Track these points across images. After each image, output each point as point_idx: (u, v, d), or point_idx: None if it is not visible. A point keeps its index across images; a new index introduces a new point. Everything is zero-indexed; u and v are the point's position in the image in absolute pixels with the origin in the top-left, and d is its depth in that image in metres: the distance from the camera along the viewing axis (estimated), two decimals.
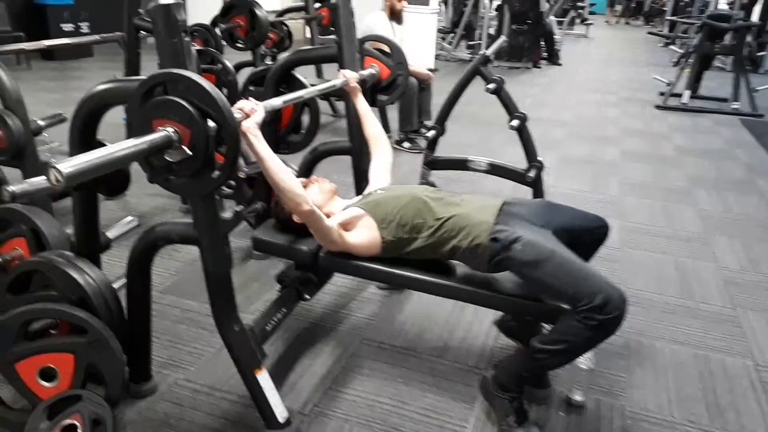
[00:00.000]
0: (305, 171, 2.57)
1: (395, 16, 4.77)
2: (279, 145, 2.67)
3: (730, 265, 2.93)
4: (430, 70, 4.72)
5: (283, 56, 2.48)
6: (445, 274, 1.84)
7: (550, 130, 5.43)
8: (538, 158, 3.30)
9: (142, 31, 3.20)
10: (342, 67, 2.35)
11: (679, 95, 6.61)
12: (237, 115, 1.52)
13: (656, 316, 2.44)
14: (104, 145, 1.86)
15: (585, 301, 1.54)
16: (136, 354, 1.81)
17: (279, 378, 1.96)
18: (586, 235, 1.90)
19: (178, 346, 2.11)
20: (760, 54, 7.11)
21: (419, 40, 7.44)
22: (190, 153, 1.33)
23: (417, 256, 1.83)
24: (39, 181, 1.51)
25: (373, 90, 2.55)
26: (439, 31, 9.30)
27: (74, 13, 7.97)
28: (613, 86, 7.96)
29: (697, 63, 6.60)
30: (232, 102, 3.14)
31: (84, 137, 1.57)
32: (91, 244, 1.75)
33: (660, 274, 2.80)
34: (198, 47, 3.89)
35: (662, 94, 6.94)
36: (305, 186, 1.97)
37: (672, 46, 10.73)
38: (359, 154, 2.46)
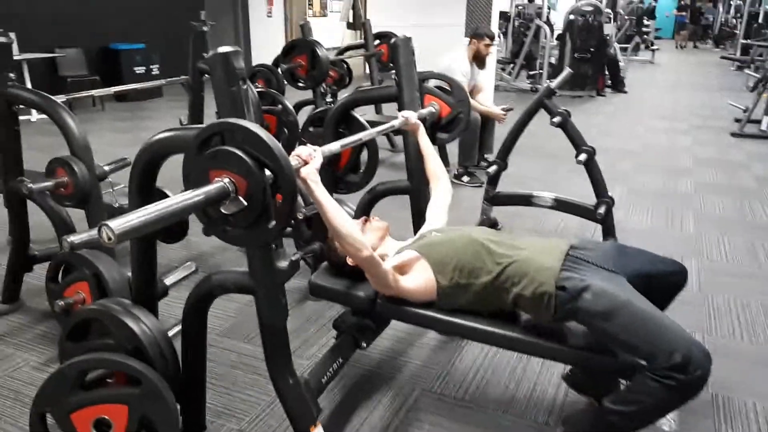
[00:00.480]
0: (363, 211, 2.52)
1: (478, 60, 4.57)
2: (337, 185, 2.63)
3: None
4: (505, 109, 4.56)
5: (342, 97, 2.46)
6: (508, 323, 1.72)
7: (617, 161, 5.21)
8: (609, 194, 3.14)
9: (206, 74, 3.28)
10: (401, 107, 2.30)
11: (758, 122, 6.24)
12: (294, 161, 1.49)
13: (747, 368, 2.21)
14: (163, 193, 1.87)
15: (663, 358, 1.39)
16: (191, 404, 1.77)
17: (335, 429, 1.87)
18: (662, 281, 1.74)
19: (233, 393, 2.06)
20: None
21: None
22: (246, 204, 1.28)
23: (476, 305, 1.72)
24: (91, 235, 1.51)
25: (432, 128, 2.48)
26: (499, 61, 9.24)
27: (146, 56, 8.38)
28: (683, 113, 7.62)
29: None
30: (293, 143, 3.17)
31: (142, 186, 1.56)
32: (148, 291, 1.73)
33: (748, 320, 2.56)
34: (260, 88, 3.97)
35: (738, 120, 6.58)
36: (361, 228, 1.91)
37: (747, 70, 10.23)
38: (418, 193, 2.38)
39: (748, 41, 11.34)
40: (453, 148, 4.67)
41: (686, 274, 1.77)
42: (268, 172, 1.30)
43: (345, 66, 5.31)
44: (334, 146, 1.75)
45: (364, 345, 1.96)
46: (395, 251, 1.87)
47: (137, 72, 8.24)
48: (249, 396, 2.05)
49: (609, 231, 3.17)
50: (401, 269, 1.78)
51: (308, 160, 1.55)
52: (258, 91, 3.07)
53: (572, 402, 2.02)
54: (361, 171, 2.55)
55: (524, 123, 3.27)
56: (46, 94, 2.09)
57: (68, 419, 1.58)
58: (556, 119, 3.06)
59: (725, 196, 4.31)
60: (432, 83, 2.59)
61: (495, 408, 2.00)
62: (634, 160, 5.29)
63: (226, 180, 1.27)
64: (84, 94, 2.94)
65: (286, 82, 4.27)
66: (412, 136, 2.27)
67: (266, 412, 1.96)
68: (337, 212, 1.60)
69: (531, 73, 9.42)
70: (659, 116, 7.40)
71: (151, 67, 8.44)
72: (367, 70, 6.64)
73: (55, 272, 2.16)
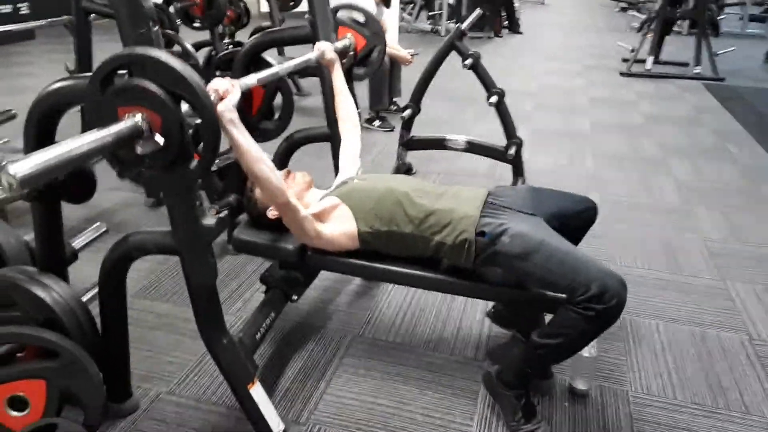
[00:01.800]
0: (281, 160, 2.43)
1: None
2: (251, 133, 2.51)
3: (713, 235, 2.92)
4: (412, 54, 4.50)
5: (252, 38, 2.31)
6: (432, 266, 1.74)
7: (519, 101, 5.35)
8: (517, 135, 3.22)
9: (92, 14, 2.96)
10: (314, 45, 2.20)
11: (643, 61, 6.62)
12: (212, 95, 1.36)
13: (649, 292, 2.41)
14: None
15: (581, 291, 1.46)
16: (114, 372, 1.67)
17: (269, 384, 1.85)
18: (575, 218, 1.83)
19: (158, 356, 1.97)
20: (720, 18, 7.16)
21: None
22: (163, 142, 1.17)
23: (399, 251, 1.73)
24: None
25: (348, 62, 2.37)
26: (400, 2, 9.09)
27: None
28: (576, 53, 7.93)
29: (659, 28, 6.59)
30: None
31: (40, 144, 1.39)
32: (55, 257, 1.58)
33: (646, 249, 2.77)
34: None
35: (625, 60, 6.95)
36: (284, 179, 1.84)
37: (631, 11, 10.77)
38: (339, 139, 2.31)
39: None
40: (362, 92, 4.59)
41: (596, 210, 1.86)
42: (184, 106, 1.20)
43: (242, 4, 5.01)
44: (251, 79, 1.64)
45: (295, 298, 1.93)
46: (318, 200, 1.82)
47: (2, 11, 7.35)
48: (175, 357, 1.96)
49: (518, 171, 3.27)
50: (321, 216, 1.74)
51: (225, 96, 1.41)
52: None
53: (495, 336, 2.11)
54: (276, 117, 2.44)
55: (436, 65, 3.26)
56: None
57: None
58: (468, 61, 3.07)
59: (618, 133, 4.58)
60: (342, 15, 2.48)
61: (425, 348, 2.04)
62: (535, 101, 5.48)
63: (138, 117, 1.16)
64: None
65: (180, 23, 3.98)
66: (328, 78, 2.18)
67: (195, 372, 1.90)
68: (257, 154, 1.51)
69: (431, 13, 9.38)
70: (554, 57, 7.66)
71: (19, 6, 7.56)
72: (263, 9, 6.30)
73: None
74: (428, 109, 5.00)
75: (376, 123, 4.54)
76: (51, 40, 7.52)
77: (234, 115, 1.43)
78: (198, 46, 4.61)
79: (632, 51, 6.77)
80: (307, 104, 4.93)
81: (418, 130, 3.42)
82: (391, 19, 4.85)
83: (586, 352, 1.79)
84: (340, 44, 2.23)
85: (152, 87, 1.14)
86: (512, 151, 3.16)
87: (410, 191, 1.73)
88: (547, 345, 1.56)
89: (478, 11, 3.20)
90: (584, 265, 1.51)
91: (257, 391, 1.54)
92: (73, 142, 1.04)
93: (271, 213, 1.82)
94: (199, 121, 1.24)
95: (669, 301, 2.35)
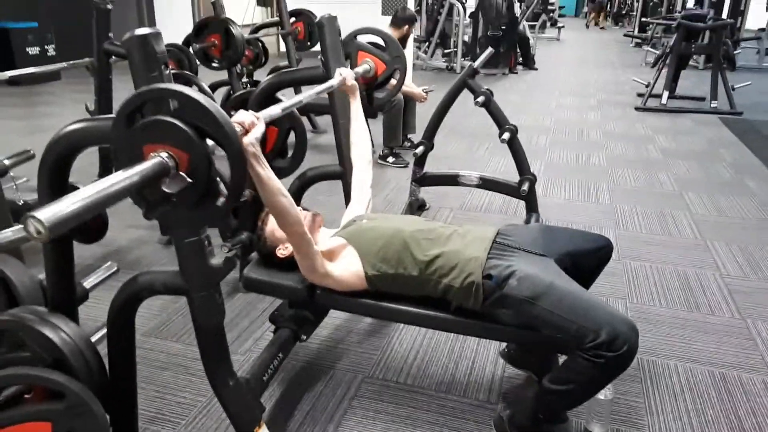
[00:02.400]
0: (294, 198, 2.43)
1: (401, 41, 4.49)
2: None
3: (732, 271, 2.86)
4: (426, 90, 4.57)
5: (266, 78, 2.35)
6: (443, 306, 1.71)
7: (534, 137, 5.37)
8: (531, 171, 3.22)
9: (113, 56, 3.05)
10: (330, 92, 2.23)
11: (659, 96, 6.61)
12: (237, 128, 1.33)
13: (666, 331, 2.35)
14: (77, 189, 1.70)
15: (590, 338, 1.43)
16: (121, 412, 1.66)
17: (279, 427, 1.82)
18: (589, 257, 1.81)
19: (166, 397, 1.95)
20: (736, 52, 7.17)
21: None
22: (190, 180, 1.14)
23: (408, 292, 1.71)
24: (12, 233, 1.36)
25: (368, 87, 2.38)
26: (415, 40, 9.26)
27: (39, 36, 7.74)
28: (590, 89, 7.96)
29: (673, 63, 6.60)
30: None
31: (54, 184, 1.41)
32: (66, 296, 1.59)
33: (664, 286, 2.71)
34: (173, 70, 3.75)
35: (641, 95, 6.95)
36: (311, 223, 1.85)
37: (646, 47, 10.82)
38: (350, 178, 2.32)
39: (647, 19, 11.96)
40: (376, 129, 4.64)
41: (611, 248, 1.84)
42: (210, 142, 1.18)
43: (260, 45, 5.14)
44: (275, 110, 1.61)
45: (304, 337, 1.91)
46: (327, 239, 1.82)
47: (30, 53, 7.60)
48: (183, 398, 1.95)
49: (532, 207, 3.25)
50: (330, 255, 1.73)
51: (250, 128, 1.38)
52: (171, 73, 2.89)
53: (509, 377, 2.07)
54: (289, 156, 2.47)
55: (449, 103, 3.28)
56: None
57: None
58: (480, 99, 3.08)
59: (635, 168, 4.55)
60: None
61: (437, 389, 2.01)
62: (549, 136, 5.48)
63: (164, 155, 1.13)
64: None
65: (199, 63, 4.07)
66: (340, 115, 2.20)
67: (203, 414, 1.88)
68: (278, 187, 1.49)
69: (446, 51, 9.50)
70: (569, 92, 7.70)
71: (46, 47, 7.82)
72: (282, 49, 6.44)
73: None
74: (442, 146, 5.05)
75: (390, 159, 4.56)
76: (75, 80, 7.74)
77: (258, 149, 1.41)
78: (216, 86, 4.72)
79: (647, 86, 6.77)
80: (322, 141, 4.98)
81: (432, 166, 3.43)
82: (406, 58, 4.93)
83: (601, 394, 1.73)
84: (360, 69, 2.24)
85: (178, 123, 1.12)
86: (525, 187, 3.14)
87: (417, 233, 1.72)
88: (558, 391, 1.53)
89: (489, 50, 3.21)
90: (594, 309, 1.48)
91: None
92: (99, 184, 1.02)
93: (281, 252, 1.82)
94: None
95: (687, 341, 2.29)
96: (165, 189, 1.14)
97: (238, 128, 1.33)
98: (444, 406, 1.92)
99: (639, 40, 12.49)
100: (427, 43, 9.64)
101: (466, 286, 1.61)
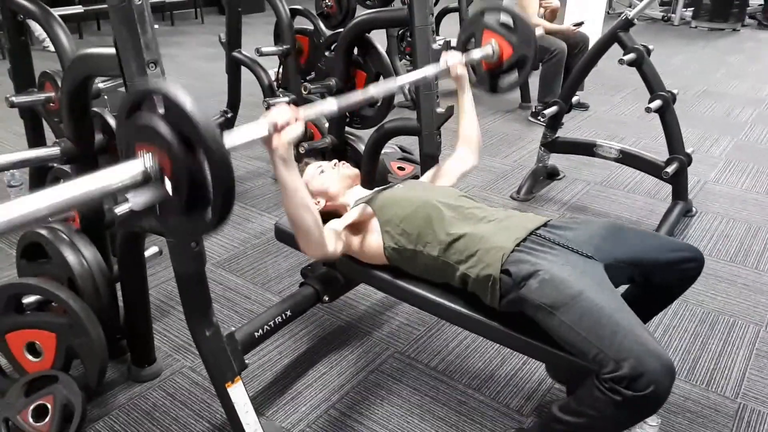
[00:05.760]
0: (372, 151, 2.30)
1: None
2: (352, 118, 2.43)
3: None
4: (576, 24, 4.08)
5: (353, 21, 2.20)
6: (465, 297, 1.46)
7: (735, 108, 4.45)
8: (686, 150, 2.65)
9: None
10: (411, 30, 1.99)
11: None
12: (265, 129, 1.17)
13: None
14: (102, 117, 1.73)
15: (610, 368, 1.13)
16: (137, 337, 1.74)
17: (286, 381, 1.78)
18: (666, 270, 1.42)
19: None
20: None
21: None
22: (170, 192, 0.99)
23: (428, 275, 1.49)
24: None
25: (492, 72, 2.05)
26: None
27: None
28: None
29: None
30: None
31: (74, 109, 1.46)
32: (95, 220, 1.68)
33: None
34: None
35: None
36: (323, 170, 1.72)
37: None
38: (429, 136, 2.10)
39: None
40: (533, 81, 4.19)
41: (701, 262, 1.42)
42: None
43: None
44: (329, 105, 1.33)
45: (326, 299, 1.81)
46: (355, 201, 1.65)
47: None
48: None
49: (679, 193, 2.71)
50: (354, 227, 1.58)
51: (282, 129, 1.19)
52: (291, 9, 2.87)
53: (561, 390, 1.76)
54: (378, 104, 2.32)
55: (593, 59, 2.82)
56: (45, 6, 2.03)
57: (3, 339, 1.60)
58: (629, 56, 2.58)
59: None
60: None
61: (467, 383, 1.79)
62: (757, 110, 4.48)
63: (148, 158, 0.98)
64: None
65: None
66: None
67: None
68: (305, 201, 1.33)
69: None
70: None
71: None
72: None
73: None
74: (613, 108, 4.44)
75: (542, 117, 4.11)
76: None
77: (288, 154, 1.23)
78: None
79: None
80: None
81: (595, 128, 2.99)
82: None
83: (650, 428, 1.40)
84: (480, 52, 1.91)
85: (160, 126, 0.96)
86: (671, 168, 2.61)
87: (445, 208, 1.48)
88: (566, 422, 1.24)
89: None
90: (622, 334, 1.15)
91: (236, 391, 1.47)
92: (66, 187, 0.87)
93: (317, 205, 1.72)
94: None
95: None
96: (139, 198, 0.98)
97: (269, 127, 1.18)
98: (464, 404, 1.71)
99: None
100: None
101: (482, 278, 1.35)
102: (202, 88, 4.69)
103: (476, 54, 1.85)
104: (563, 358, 1.31)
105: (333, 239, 1.48)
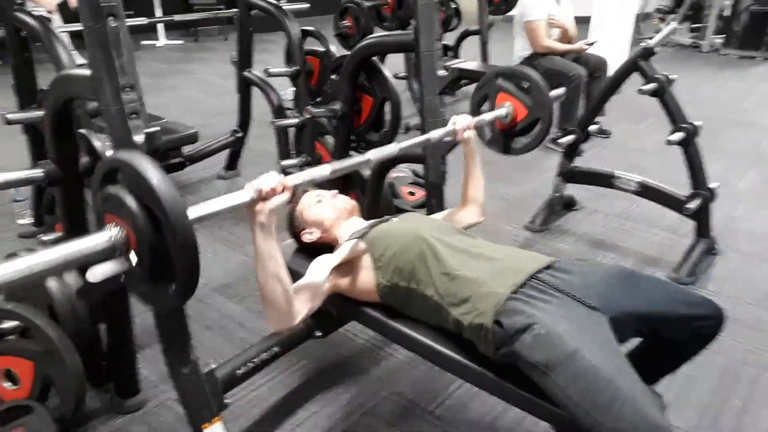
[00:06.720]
0: (377, 177, 2.21)
1: None
2: (358, 143, 2.36)
3: None
4: (588, 44, 4.02)
5: (359, 44, 2.13)
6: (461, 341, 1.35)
7: (765, 140, 4.28)
8: (709, 185, 2.52)
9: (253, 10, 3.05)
10: (417, 55, 1.92)
11: None
12: (249, 195, 1.15)
13: None
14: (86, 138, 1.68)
15: None
16: (120, 366, 1.67)
17: (275, 420, 1.69)
18: (679, 327, 1.29)
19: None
20: None
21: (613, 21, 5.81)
22: (134, 264, 0.97)
23: (422, 316, 1.39)
24: None
25: (505, 133, 1.93)
26: (658, 11, 8.09)
27: None
28: None
29: None
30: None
31: (58, 130, 1.40)
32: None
33: None
34: (347, 25, 3.70)
35: None
36: (320, 200, 1.64)
37: None
38: (434, 164, 2.01)
39: None
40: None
41: (721, 320, 1.29)
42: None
43: (453, 6, 4.83)
44: (323, 171, 1.30)
45: (319, 334, 1.72)
46: (350, 235, 1.56)
47: None
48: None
49: (702, 231, 2.57)
50: (344, 266, 1.48)
51: (267, 198, 1.17)
52: (304, 30, 2.82)
53: None
54: (383, 130, 2.25)
55: (613, 88, 2.72)
56: (46, 23, 2.01)
57: None
58: (648, 86, 2.47)
59: None
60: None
61: (464, 428, 1.67)
62: None
63: (115, 230, 0.96)
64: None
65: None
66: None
67: None
68: (278, 271, 1.25)
69: (695, 26, 8.08)
70: None
71: None
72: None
73: None
74: (637, 137, 4.30)
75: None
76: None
77: (268, 221, 1.20)
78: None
79: None
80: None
81: (616, 157, 2.88)
82: (567, 12, 4.23)
83: None
84: (493, 114, 1.85)
85: (127, 198, 0.95)
86: (693, 204, 2.47)
87: (440, 244, 1.38)
88: None
89: (673, 25, 2.55)
90: (620, 403, 1.03)
91: None
92: (33, 257, 0.86)
93: (306, 237, 1.64)
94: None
95: None
96: (92, 270, 0.96)
97: (252, 193, 1.15)
98: None
99: None
100: (672, 15, 8.31)
101: (474, 327, 1.25)
102: (216, 105, 4.68)
103: (488, 116, 1.81)
104: (565, 418, 1.20)
105: (305, 301, 1.38)
